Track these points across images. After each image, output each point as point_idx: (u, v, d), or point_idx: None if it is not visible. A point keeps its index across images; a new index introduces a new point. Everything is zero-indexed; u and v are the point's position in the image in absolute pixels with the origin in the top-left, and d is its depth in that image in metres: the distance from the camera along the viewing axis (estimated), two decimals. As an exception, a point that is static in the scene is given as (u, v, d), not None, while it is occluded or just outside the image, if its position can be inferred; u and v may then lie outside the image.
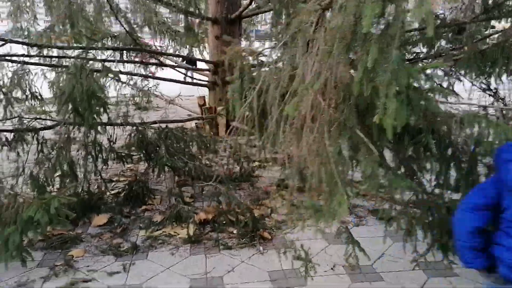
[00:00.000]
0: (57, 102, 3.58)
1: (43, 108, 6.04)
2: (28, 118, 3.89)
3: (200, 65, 9.46)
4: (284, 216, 3.48)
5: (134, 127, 4.24)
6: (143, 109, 8.46)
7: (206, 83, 7.01)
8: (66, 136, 3.23)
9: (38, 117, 3.98)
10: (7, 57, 3.94)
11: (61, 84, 4.75)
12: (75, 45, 5.42)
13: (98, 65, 3.94)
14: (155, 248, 2.96)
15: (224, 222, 3.26)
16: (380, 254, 2.84)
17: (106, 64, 4.03)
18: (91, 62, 3.98)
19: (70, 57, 4.73)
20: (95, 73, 3.35)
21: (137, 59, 6.83)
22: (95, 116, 3.30)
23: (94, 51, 4.91)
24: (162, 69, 7.66)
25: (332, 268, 2.65)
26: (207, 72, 6.98)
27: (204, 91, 7.43)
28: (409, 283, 2.51)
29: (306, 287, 2.47)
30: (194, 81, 7.43)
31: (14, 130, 3.44)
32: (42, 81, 5.13)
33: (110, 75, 4.39)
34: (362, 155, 1.65)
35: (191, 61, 9.12)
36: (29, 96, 4.49)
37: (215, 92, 6.83)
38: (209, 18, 6.54)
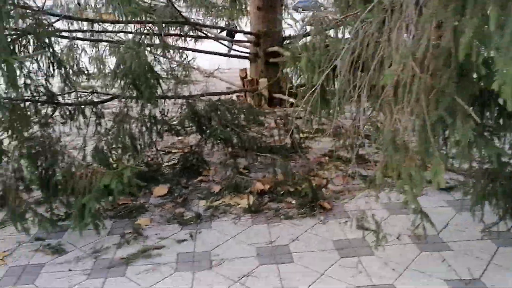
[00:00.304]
0: (112, 77, 3.66)
1: (89, 83, 6.20)
2: (85, 92, 4.00)
3: (239, 37, 9.39)
4: (341, 186, 3.48)
5: (184, 100, 4.29)
6: (183, 82, 8.53)
7: (248, 55, 6.96)
8: (125, 109, 3.29)
9: (94, 91, 4.07)
10: (62, 33, 4.01)
11: (114, 59, 4.83)
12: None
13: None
14: (217, 218, 3.02)
15: (282, 192, 3.29)
16: (445, 224, 2.80)
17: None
18: (142, 36, 4.02)
19: (125, 32, 4.79)
20: (151, 47, 3.37)
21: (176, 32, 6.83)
22: (151, 89, 3.34)
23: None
24: (200, 42, 7.64)
25: (398, 238, 2.64)
26: (249, 43, 6.91)
27: (245, 64, 7.38)
28: (479, 253, 2.48)
29: (374, 256, 2.47)
30: (235, 53, 7.39)
31: (74, 104, 3.53)
32: (84, 56, 5.24)
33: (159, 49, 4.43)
34: (460, 123, 1.59)
35: (231, 34, 9.05)
36: (76, 71, 4.59)
37: (257, 64, 6.77)
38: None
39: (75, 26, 5.42)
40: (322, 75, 2.09)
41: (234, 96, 6.72)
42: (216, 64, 7.97)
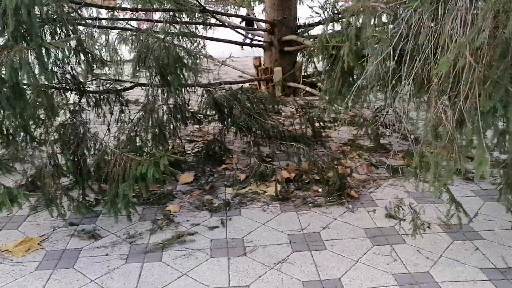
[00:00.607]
0: (135, 66, 3.67)
1: (103, 71, 6.19)
2: (107, 79, 4.00)
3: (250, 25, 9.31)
4: (365, 175, 3.51)
5: (203, 88, 4.29)
6: (194, 70, 8.50)
7: (262, 43, 6.94)
8: (153, 98, 3.30)
9: (116, 79, 4.08)
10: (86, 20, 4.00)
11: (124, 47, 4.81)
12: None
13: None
14: (246, 205, 3.05)
15: (308, 181, 3.31)
16: (475, 213, 2.83)
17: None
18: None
19: (152, 21, 4.77)
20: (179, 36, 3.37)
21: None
22: (180, 78, 3.36)
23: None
24: (213, 30, 7.60)
25: (428, 227, 2.66)
26: (263, 32, 6.89)
27: (255, 52, 7.36)
28: (511, 242, 2.50)
29: (406, 244, 2.50)
30: (249, 41, 7.36)
31: (101, 92, 3.54)
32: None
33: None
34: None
35: (249, 22, 8.99)
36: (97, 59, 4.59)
37: (271, 53, 6.75)
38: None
39: (94, 13, 5.41)
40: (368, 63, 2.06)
41: (246, 85, 6.71)
42: (227, 52, 7.94)
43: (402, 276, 2.22)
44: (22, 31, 2.54)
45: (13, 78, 2.29)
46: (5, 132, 2.88)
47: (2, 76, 2.49)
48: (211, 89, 4.32)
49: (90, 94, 3.52)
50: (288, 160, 3.79)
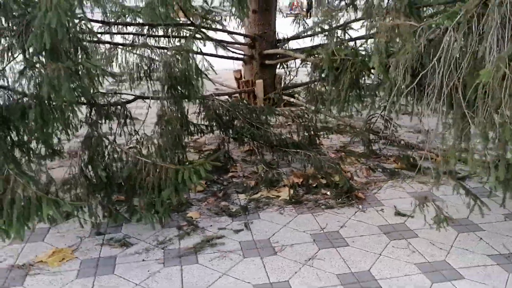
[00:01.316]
0: (146, 79, 3.79)
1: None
2: (110, 92, 4.06)
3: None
4: (364, 178, 3.77)
5: (201, 100, 4.44)
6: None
7: (243, 56, 7.15)
8: (170, 109, 3.42)
9: (116, 91, 4.14)
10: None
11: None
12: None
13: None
14: (262, 209, 3.22)
15: (316, 185, 3.53)
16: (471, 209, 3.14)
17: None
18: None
19: (151, 36, 4.87)
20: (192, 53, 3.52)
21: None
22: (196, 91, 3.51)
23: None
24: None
25: (434, 222, 2.94)
26: (243, 46, 7.11)
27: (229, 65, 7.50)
28: (507, 231, 2.83)
29: (419, 238, 2.77)
30: (230, 54, 7.55)
31: (112, 104, 3.60)
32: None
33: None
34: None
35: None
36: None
37: (252, 66, 6.98)
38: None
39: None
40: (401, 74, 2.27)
41: (225, 97, 6.89)
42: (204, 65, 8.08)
43: (423, 265, 2.48)
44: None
45: (51, 95, 2.36)
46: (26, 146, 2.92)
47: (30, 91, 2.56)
48: (209, 101, 4.47)
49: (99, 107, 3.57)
50: (290, 167, 4.00)
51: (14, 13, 2.78)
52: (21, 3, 2.66)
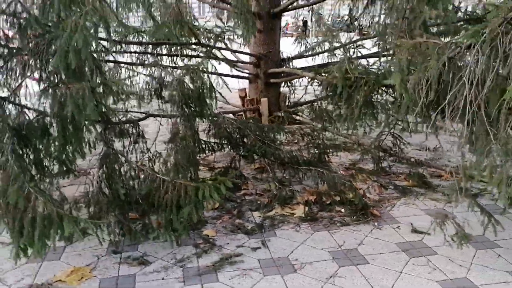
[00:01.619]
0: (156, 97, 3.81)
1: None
2: (121, 111, 4.08)
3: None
4: (376, 196, 3.78)
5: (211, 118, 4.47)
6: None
7: (248, 75, 7.23)
8: (184, 127, 3.44)
9: (127, 110, 4.17)
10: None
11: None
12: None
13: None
14: (278, 227, 3.21)
15: (329, 202, 3.53)
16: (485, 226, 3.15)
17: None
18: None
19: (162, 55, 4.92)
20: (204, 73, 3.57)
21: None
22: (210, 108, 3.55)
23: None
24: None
25: (452, 239, 2.95)
26: (249, 65, 7.19)
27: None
28: (524, 248, 2.84)
29: (438, 255, 2.77)
30: (235, 73, 7.62)
31: (125, 122, 3.63)
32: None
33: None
34: None
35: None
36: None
37: (257, 84, 7.05)
38: (253, 13, 6.74)
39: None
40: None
41: (230, 115, 6.94)
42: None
43: (445, 282, 2.47)
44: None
45: (75, 114, 2.38)
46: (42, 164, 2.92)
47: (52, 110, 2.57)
48: (219, 118, 4.50)
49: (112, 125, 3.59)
50: (302, 184, 4.01)
51: (35, 33, 2.83)
52: (43, 24, 2.70)
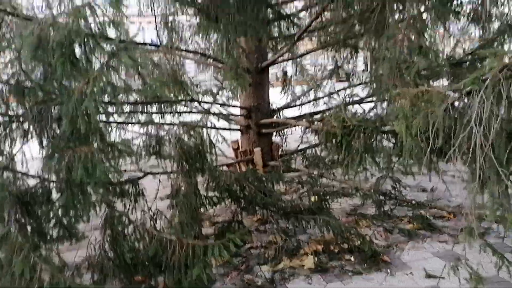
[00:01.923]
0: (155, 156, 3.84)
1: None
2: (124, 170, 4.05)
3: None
4: (383, 241, 3.74)
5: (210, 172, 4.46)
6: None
7: (239, 127, 7.32)
8: (185, 184, 3.41)
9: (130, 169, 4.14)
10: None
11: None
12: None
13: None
14: (289, 280, 3.13)
15: (338, 250, 3.48)
16: (497, 266, 3.13)
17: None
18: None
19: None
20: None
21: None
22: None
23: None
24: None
25: (467, 281, 2.90)
26: (240, 117, 7.30)
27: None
28: (540, 286, 2.81)
29: (457, 299, 2.72)
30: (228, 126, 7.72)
31: (127, 181, 3.59)
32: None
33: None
34: None
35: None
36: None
37: (249, 135, 7.12)
38: (242, 68, 6.94)
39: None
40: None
41: (224, 167, 6.93)
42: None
43: (469, 327, 2.41)
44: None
45: (84, 178, 2.36)
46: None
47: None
48: (217, 172, 4.49)
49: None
50: (306, 233, 3.95)
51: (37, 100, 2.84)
52: (47, 90, 2.73)
